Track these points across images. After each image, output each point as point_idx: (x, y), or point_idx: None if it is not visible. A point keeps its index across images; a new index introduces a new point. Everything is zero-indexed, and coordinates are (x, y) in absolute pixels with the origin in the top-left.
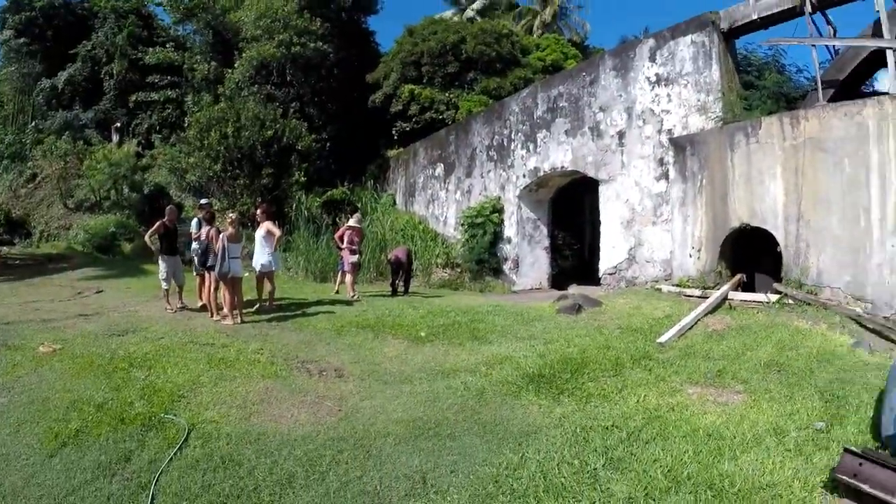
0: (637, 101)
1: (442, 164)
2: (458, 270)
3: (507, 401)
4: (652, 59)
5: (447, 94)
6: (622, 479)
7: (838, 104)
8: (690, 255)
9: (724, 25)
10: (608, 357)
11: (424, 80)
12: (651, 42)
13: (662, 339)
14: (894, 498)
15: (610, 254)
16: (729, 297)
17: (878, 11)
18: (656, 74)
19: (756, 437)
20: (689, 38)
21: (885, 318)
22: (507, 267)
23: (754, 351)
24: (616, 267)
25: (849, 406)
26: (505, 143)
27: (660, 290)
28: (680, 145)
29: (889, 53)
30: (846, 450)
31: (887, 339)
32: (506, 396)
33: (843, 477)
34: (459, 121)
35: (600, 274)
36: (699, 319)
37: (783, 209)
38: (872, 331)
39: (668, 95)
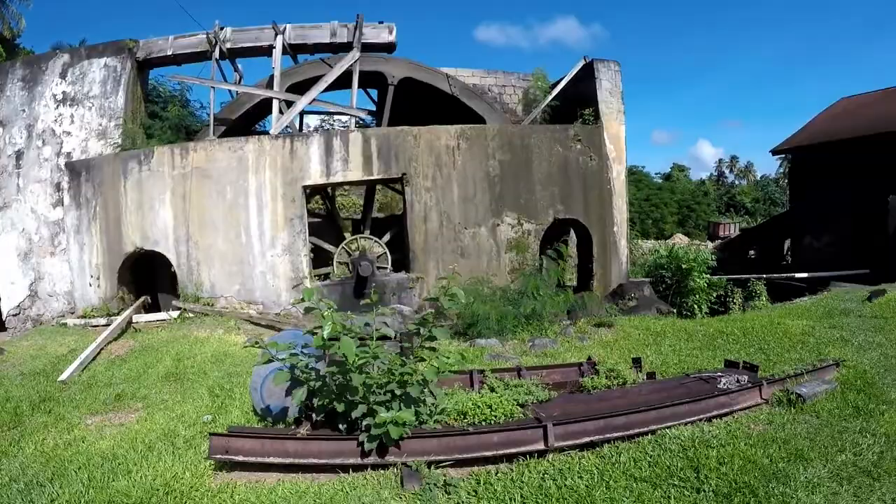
0: (40, 118)
1: None
2: None
3: None
4: (63, 75)
5: None
6: None
7: (224, 140)
8: (91, 284)
9: (141, 55)
10: (7, 409)
11: None
12: (66, 57)
13: (63, 376)
14: (258, 457)
15: (10, 292)
16: (134, 320)
17: (274, 68)
18: (63, 93)
19: (149, 446)
20: (103, 60)
21: (276, 314)
22: None
23: (154, 367)
24: (19, 306)
25: (234, 396)
26: None
27: (66, 324)
28: (76, 170)
29: (274, 102)
30: (211, 434)
31: (279, 330)
32: None
33: (218, 455)
34: None
35: (4, 316)
36: (102, 348)
37: (174, 232)
38: (267, 326)
39: (72, 116)
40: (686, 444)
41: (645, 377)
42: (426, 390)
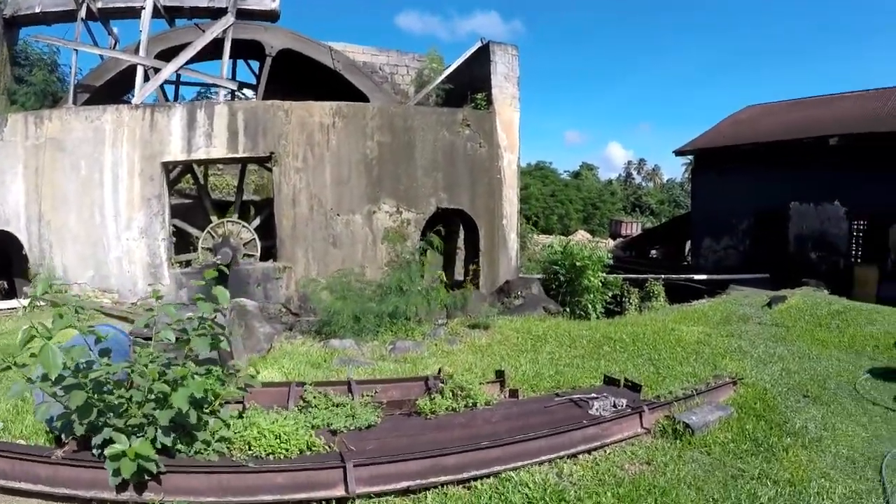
0: None
1: None
2: None
3: None
4: None
5: None
6: None
7: (81, 108)
8: None
9: (8, 12)
10: None
11: None
12: None
13: None
14: (6, 481)
15: None
16: None
17: (141, 31)
18: None
19: None
20: None
21: (132, 304)
22: None
23: None
24: None
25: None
26: None
27: None
28: None
29: (139, 69)
30: None
31: (132, 322)
32: None
33: None
34: None
35: None
36: None
37: (25, 210)
38: (119, 318)
39: None
40: (535, 496)
41: (507, 395)
42: (197, 412)
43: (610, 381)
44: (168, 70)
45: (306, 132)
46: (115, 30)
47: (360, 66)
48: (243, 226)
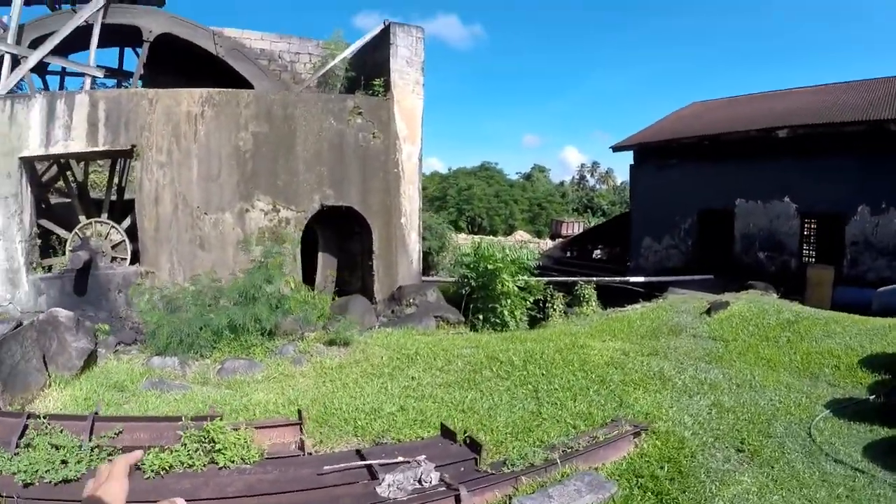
0: None
1: None
2: None
3: None
4: None
5: None
6: None
7: None
8: None
9: None
10: None
11: None
12: None
13: None
14: None
15: None
16: None
17: (11, 16)
18: None
19: None
20: None
21: None
22: None
23: None
24: None
25: None
26: None
27: None
28: None
29: (6, 58)
30: None
31: None
32: None
33: None
34: None
35: None
36: None
37: None
38: None
39: None
40: None
41: (299, 445)
42: None
43: (447, 434)
44: (33, 58)
45: (172, 123)
46: (3, 18)
47: (243, 51)
48: (112, 226)
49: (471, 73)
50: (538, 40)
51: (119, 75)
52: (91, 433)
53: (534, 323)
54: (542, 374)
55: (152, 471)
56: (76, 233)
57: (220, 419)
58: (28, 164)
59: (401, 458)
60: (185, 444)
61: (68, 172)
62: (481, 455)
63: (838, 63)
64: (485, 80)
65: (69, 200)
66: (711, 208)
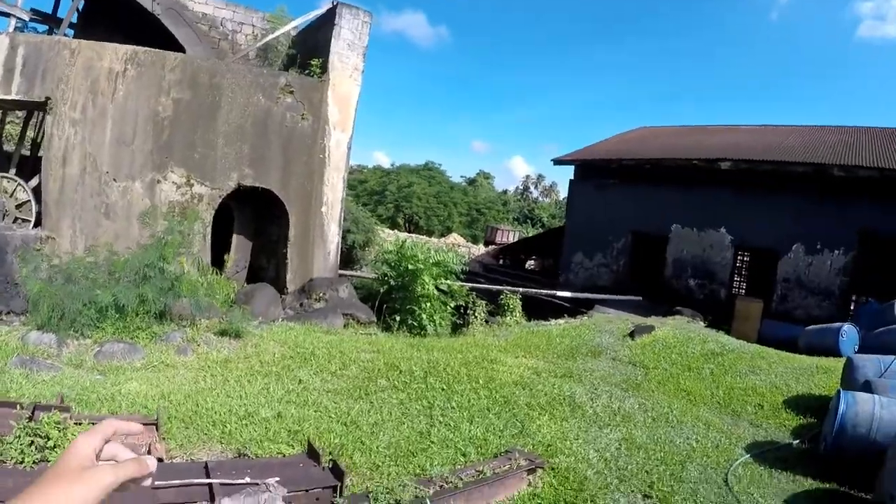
0: None
1: None
2: None
3: None
4: None
5: None
6: None
7: None
8: None
9: None
10: None
11: None
12: None
13: None
14: None
15: None
16: None
17: None
18: None
19: None
20: None
21: None
22: None
23: None
24: None
25: None
26: None
27: None
28: None
29: None
30: None
31: None
32: None
33: None
34: None
35: None
36: None
37: None
38: None
39: None
40: None
41: (147, 451)
42: None
43: (312, 453)
44: None
45: (91, 78)
46: None
47: (181, 14)
48: (19, 184)
49: (430, 72)
50: (503, 48)
51: (52, 22)
52: None
53: (455, 330)
54: (442, 390)
55: None
56: None
57: (67, 411)
58: None
59: (248, 479)
60: (19, 437)
61: None
62: (343, 484)
63: (785, 105)
64: (443, 81)
65: None
66: (646, 231)
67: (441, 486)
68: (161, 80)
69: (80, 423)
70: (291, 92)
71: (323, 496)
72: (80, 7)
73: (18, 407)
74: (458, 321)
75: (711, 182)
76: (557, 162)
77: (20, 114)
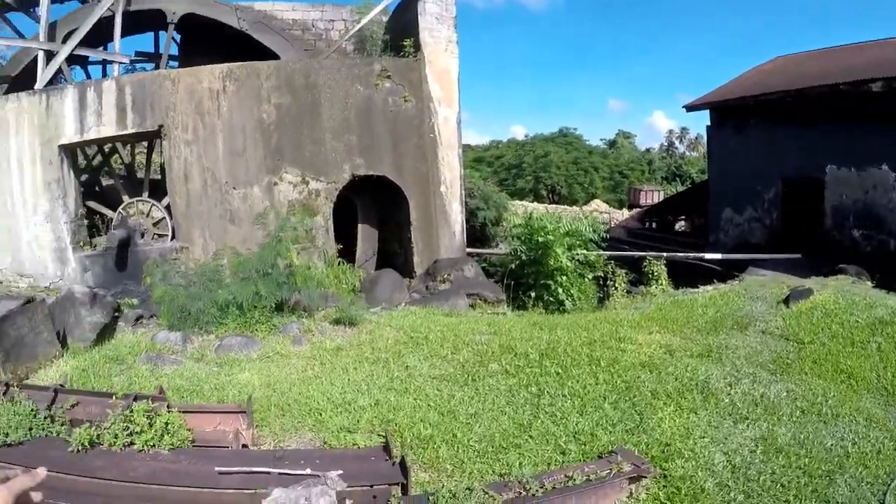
0: None
1: None
2: None
3: None
4: None
5: None
6: None
7: None
8: None
9: None
10: None
11: None
12: None
13: None
14: None
15: None
16: None
17: (40, 14)
18: None
19: None
20: None
21: (45, 287)
22: None
23: None
24: None
25: None
26: None
27: None
28: None
29: (40, 54)
30: None
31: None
32: None
33: None
34: None
35: None
36: None
37: None
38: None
39: None
40: None
41: (233, 436)
42: None
43: (387, 446)
44: (64, 52)
45: (195, 101)
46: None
47: (268, 23)
48: (153, 204)
49: (549, 34)
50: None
51: (155, 59)
52: (52, 403)
53: (600, 303)
54: (557, 374)
55: (81, 445)
56: (119, 212)
57: (163, 400)
58: (68, 150)
59: (308, 471)
60: (115, 422)
61: (116, 155)
62: (409, 482)
63: None
64: (562, 43)
65: (122, 180)
66: (798, 176)
67: (519, 494)
68: (259, 90)
69: (170, 410)
70: (389, 76)
71: (381, 494)
72: (179, 39)
73: (114, 398)
74: (599, 294)
75: (865, 109)
76: (689, 108)
77: (144, 143)
